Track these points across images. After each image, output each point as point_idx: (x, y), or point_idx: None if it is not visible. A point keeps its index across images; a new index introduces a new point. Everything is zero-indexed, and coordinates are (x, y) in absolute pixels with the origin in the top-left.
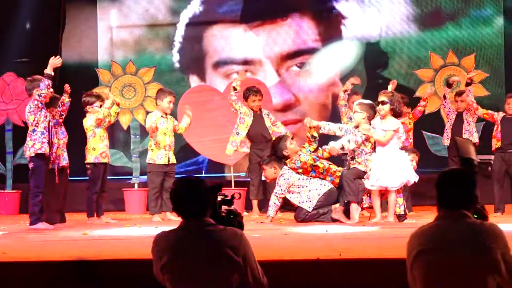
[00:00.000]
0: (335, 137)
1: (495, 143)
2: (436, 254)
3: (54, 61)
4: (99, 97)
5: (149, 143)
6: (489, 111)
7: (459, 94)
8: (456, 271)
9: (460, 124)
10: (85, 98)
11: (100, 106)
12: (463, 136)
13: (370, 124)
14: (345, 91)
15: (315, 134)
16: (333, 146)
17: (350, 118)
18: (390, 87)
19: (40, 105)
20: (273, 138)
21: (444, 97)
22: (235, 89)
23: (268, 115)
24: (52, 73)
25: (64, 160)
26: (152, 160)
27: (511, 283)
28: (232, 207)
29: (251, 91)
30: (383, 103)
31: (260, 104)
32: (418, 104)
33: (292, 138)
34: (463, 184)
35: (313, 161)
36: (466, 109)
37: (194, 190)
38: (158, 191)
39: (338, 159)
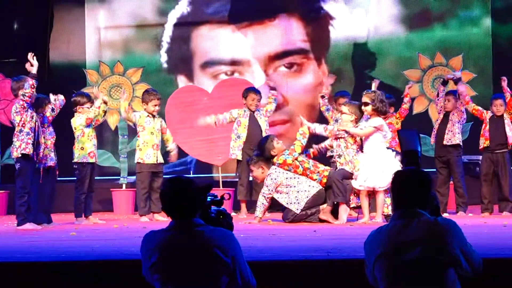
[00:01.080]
0: (324, 138)
1: (483, 142)
2: (395, 256)
3: (32, 61)
4: (90, 98)
5: (137, 143)
6: (480, 108)
7: (448, 93)
8: (416, 269)
9: (445, 124)
10: (76, 98)
11: (90, 107)
12: (446, 136)
13: (357, 125)
14: (323, 96)
15: (306, 131)
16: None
17: (336, 120)
18: (373, 86)
19: (25, 105)
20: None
21: (438, 94)
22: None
23: (259, 111)
24: (35, 72)
25: (51, 160)
26: (141, 160)
27: (473, 273)
28: (221, 208)
29: (251, 90)
30: (365, 104)
31: (259, 104)
32: (403, 102)
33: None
34: (415, 183)
35: (300, 143)
36: (454, 109)
37: (184, 190)
38: (147, 191)
39: (326, 160)
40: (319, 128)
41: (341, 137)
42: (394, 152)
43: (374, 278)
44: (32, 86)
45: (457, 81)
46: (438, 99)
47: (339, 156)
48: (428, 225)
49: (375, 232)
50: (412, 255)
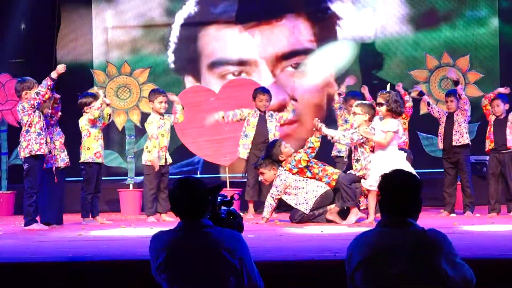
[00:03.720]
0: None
1: (489, 144)
2: (377, 266)
3: (61, 68)
4: (96, 97)
5: (146, 144)
6: (490, 108)
7: (449, 94)
8: (399, 282)
9: (451, 125)
10: (82, 99)
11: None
12: (454, 137)
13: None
14: (340, 94)
15: (317, 144)
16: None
17: (346, 121)
18: (388, 87)
19: (36, 104)
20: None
21: (428, 103)
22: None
23: (271, 115)
24: (55, 77)
25: (62, 161)
26: (150, 162)
27: (463, 285)
28: (231, 208)
29: (258, 91)
30: (380, 104)
31: (267, 104)
32: (405, 101)
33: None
34: (406, 189)
35: (306, 157)
36: (458, 109)
37: (192, 191)
38: (155, 192)
39: (332, 160)
40: (338, 135)
41: (362, 144)
42: (406, 154)
43: (354, 286)
44: (49, 87)
45: (456, 83)
46: (430, 107)
47: (357, 160)
48: (415, 237)
49: (359, 237)
50: (397, 268)
